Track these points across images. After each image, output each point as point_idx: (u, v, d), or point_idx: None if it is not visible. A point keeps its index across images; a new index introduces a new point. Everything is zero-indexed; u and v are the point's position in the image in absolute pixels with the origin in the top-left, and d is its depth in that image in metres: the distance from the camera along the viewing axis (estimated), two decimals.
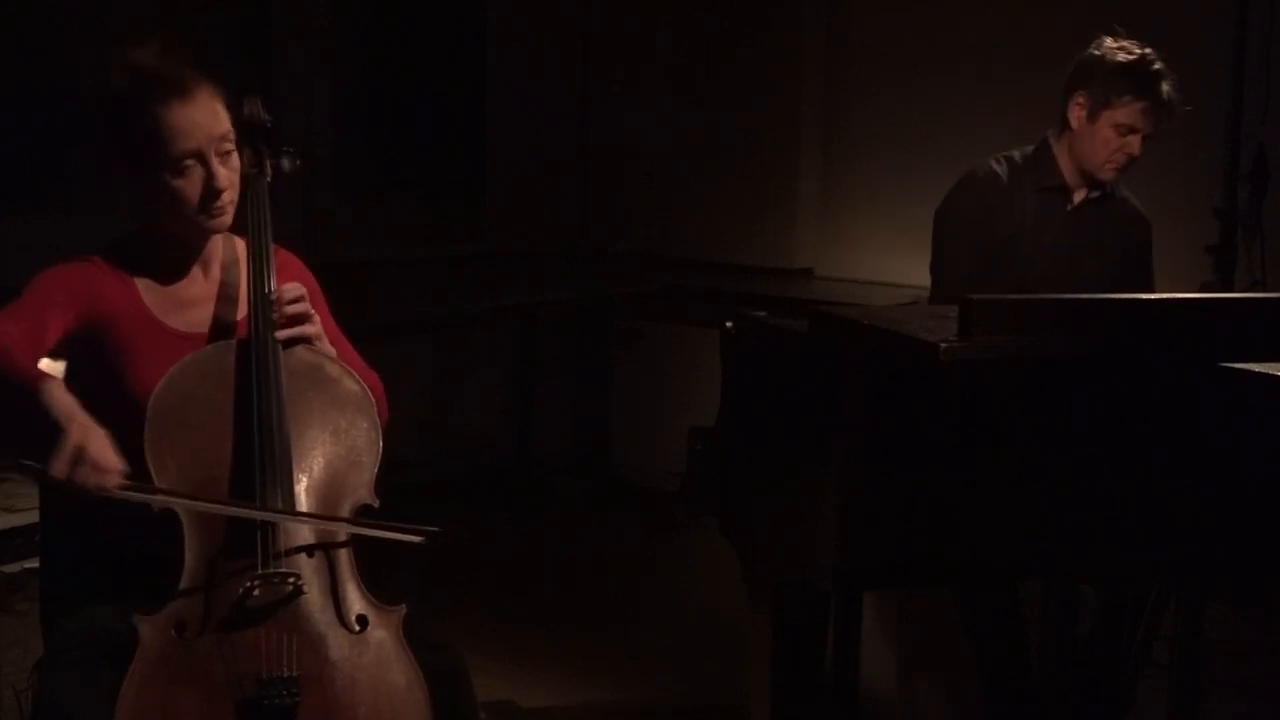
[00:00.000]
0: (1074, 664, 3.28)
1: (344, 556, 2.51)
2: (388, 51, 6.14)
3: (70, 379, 2.59)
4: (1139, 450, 2.44)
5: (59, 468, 2.30)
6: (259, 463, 2.47)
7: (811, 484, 2.65)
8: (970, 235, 3.67)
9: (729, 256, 6.21)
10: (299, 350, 2.63)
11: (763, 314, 3.12)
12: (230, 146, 2.58)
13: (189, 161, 2.53)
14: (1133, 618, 3.50)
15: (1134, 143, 3.59)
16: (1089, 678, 3.50)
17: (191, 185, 2.54)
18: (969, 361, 2.38)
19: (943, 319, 2.47)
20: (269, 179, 2.74)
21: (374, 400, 2.65)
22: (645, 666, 4.40)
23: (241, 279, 2.69)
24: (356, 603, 2.48)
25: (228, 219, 2.61)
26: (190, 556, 2.43)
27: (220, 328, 2.65)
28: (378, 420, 2.63)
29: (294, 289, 2.63)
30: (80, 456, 2.31)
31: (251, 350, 2.56)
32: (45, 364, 2.69)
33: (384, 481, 2.60)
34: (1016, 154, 3.74)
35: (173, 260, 2.66)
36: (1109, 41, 3.61)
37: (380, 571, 2.57)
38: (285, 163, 2.78)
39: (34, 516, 3.19)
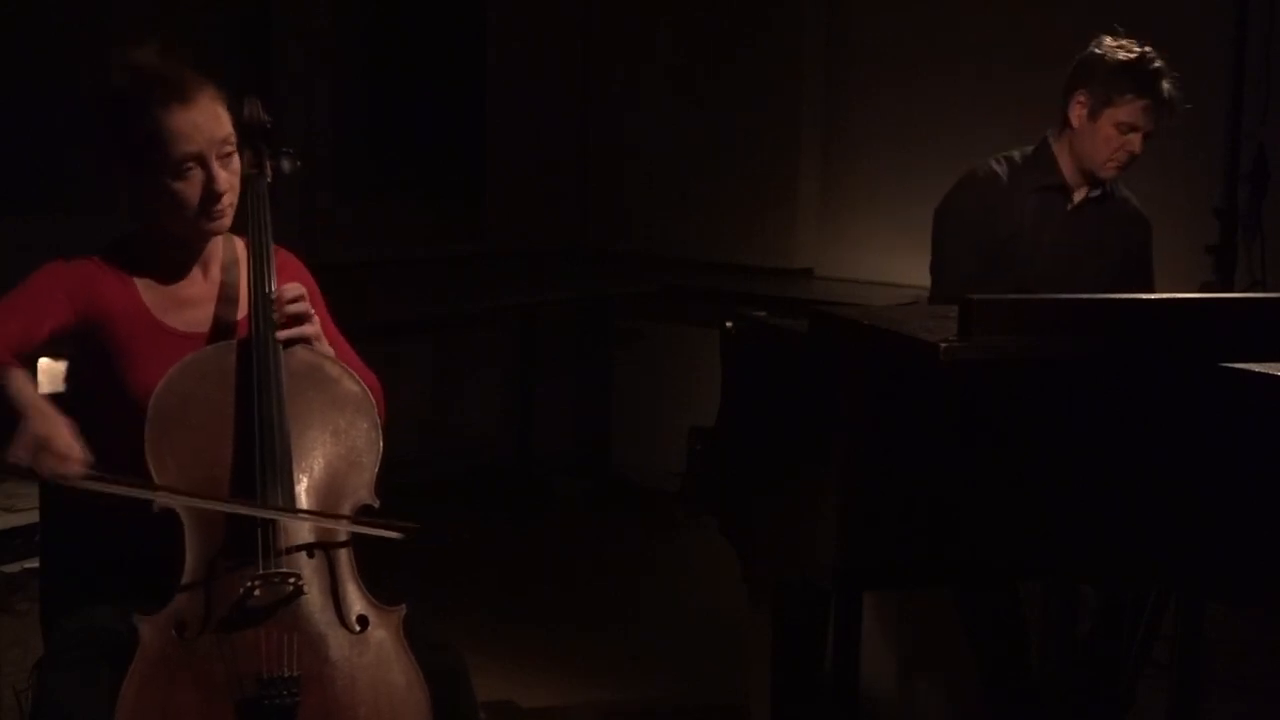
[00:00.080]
0: (1074, 664, 3.28)
1: (344, 556, 2.51)
2: (388, 51, 6.14)
3: (70, 378, 2.59)
4: (1139, 450, 2.44)
5: (19, 454, 2.31)
6: (259, 462, 2.47)
7: (811, 484, 2.65)
8: (970, 235, 3.67)
9: (729, 256, 6.21)
10: (299, 350, 2.63)
11: (763, 314, 3.12)
12: (231, 149, 2.58)
13: (189, 164, 2.53)
14: (1133, 618, 3.50)
15: (1135, 141, 3.59)
16: (1089, 678, 3.50)
17: (191, 188, 2.54)
18: (969, 361, 2.38)
19: (943, 319, 2.47)
20: (269, 179, 2.74)
21: (374, 400, 2.65)
22: (645, 666, 4.40)
23: (241, 279, 2.69)
24: (357, 603, 2.48)
25: (227, 221, 2.61)
26: (190, 556, 2.43)
27: (220, 328, 2.65)
28: (378, 420, 2.64)
29: (294, 289, 2.63)
30: (41, 444, 2.31)
31: (252, 350, 2.56)
32: (45, 364, 2.69)
33: (384, 481, 2.60)
34: (1016, 154, 3.74)
35: (172, 260, 2.66)
36: (1109, 41, 3.62)
37: (380, 571, 2.57)
38: (285, 163, 2.78)
39: (34, 516, 3.19)
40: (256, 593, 2.39)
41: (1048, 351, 2.42)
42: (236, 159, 2.60)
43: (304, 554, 2.47)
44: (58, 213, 4.81)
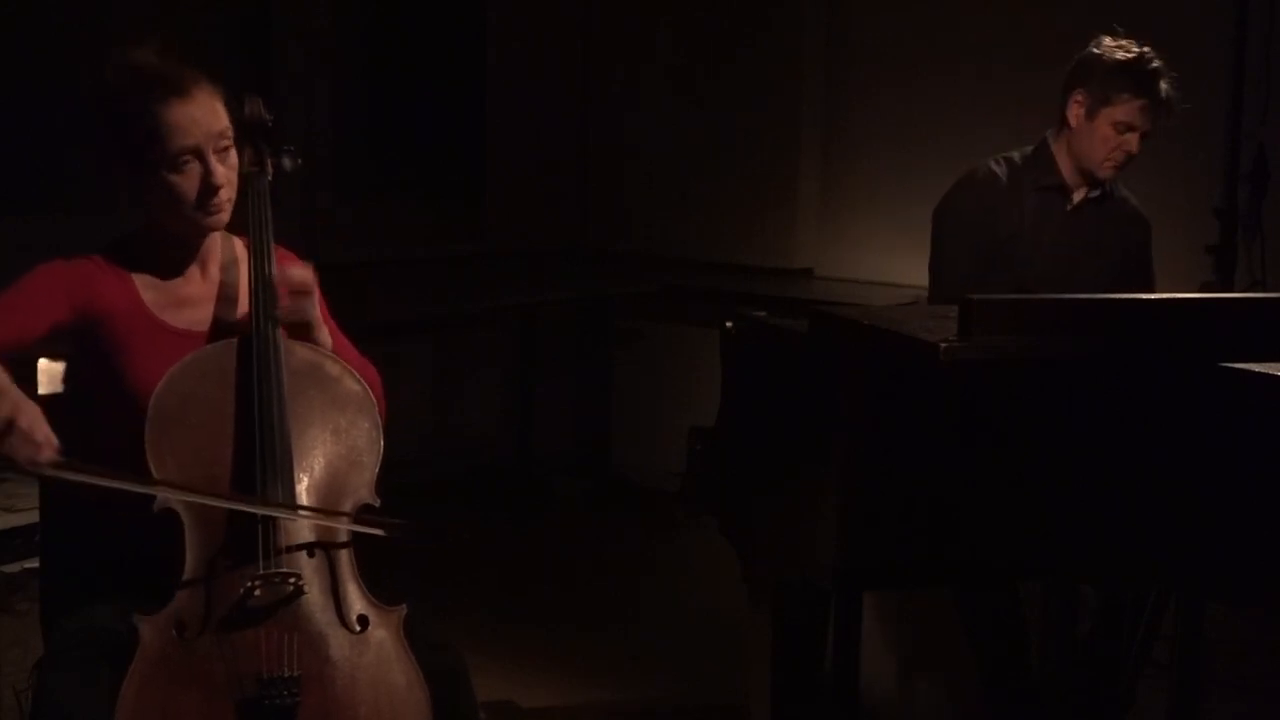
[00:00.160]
0: (1074, 664, 3.28)
1: (344, 556, 2.51)
2: (388, 51, 6.14)
3: (69, 378, 2.59)
4: (1139, 450, 2.44)
5: None
6: (259, 460, 2.47)
7: (811, 484, 2.65)
8: (969, 235, 3.67)
9: (729, 256, 6.21)
10: (300, 349, 2.63)
11: (763, 314, 3.12)
12: (228, 144, 2.59)
13: (187, 158, 2.53)
14: (1133, 618, 3.50)
15: (1132, 140, 3.59)
16: (1089, 678, 3.50)
17: (189, 182, 2.55)
18: (969, 361, 2.38)
19: (943, 319, 2.47)
20: (270, 177, 2.74)
21: (375, 400, 2.65)
22: (645, 666, 4.40)
23: (241, 279, 2.69)
24: (357, 602, 2.48)
25: (225, 216, 2.61)
26: (190, 556, 2.43)
27: (220, 327, 2.65)
28: (379, 420, 2.63)
29: (301, 269, 2.63)
30: (9, 429, 2.30)
31: (252, 347, 2.56)
32: (45, 364, 2.69)
33: (384, 481, 2.60)
34: (1016, 154, 3.75)
35: (172, 259, 2.66)
36: (1108, 40, 3.62)
37: (380, 571, 2.57)
38: (286, 161, 2.78)
39: (34, 516, 3.19)
40: (257, 592, 2.39)
41: (1048, 351, 2.42)
42: (234, 154, 2.61)
43: (304, 554, 2.47)
44: (58, 213, 4.82)
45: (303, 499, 2.51)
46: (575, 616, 4.84)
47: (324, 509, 2.53)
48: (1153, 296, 2.72)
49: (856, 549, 2.60)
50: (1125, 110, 3.56)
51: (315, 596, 2.44)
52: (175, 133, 2.52)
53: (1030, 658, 3.51)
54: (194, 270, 2.68)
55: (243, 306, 2.66)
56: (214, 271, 2.70)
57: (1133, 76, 3.55)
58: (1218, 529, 2.37)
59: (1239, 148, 4.59)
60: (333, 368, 2.65)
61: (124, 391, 2.54)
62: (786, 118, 6.10)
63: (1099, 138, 3.59)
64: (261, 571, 2.40)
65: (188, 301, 2.66)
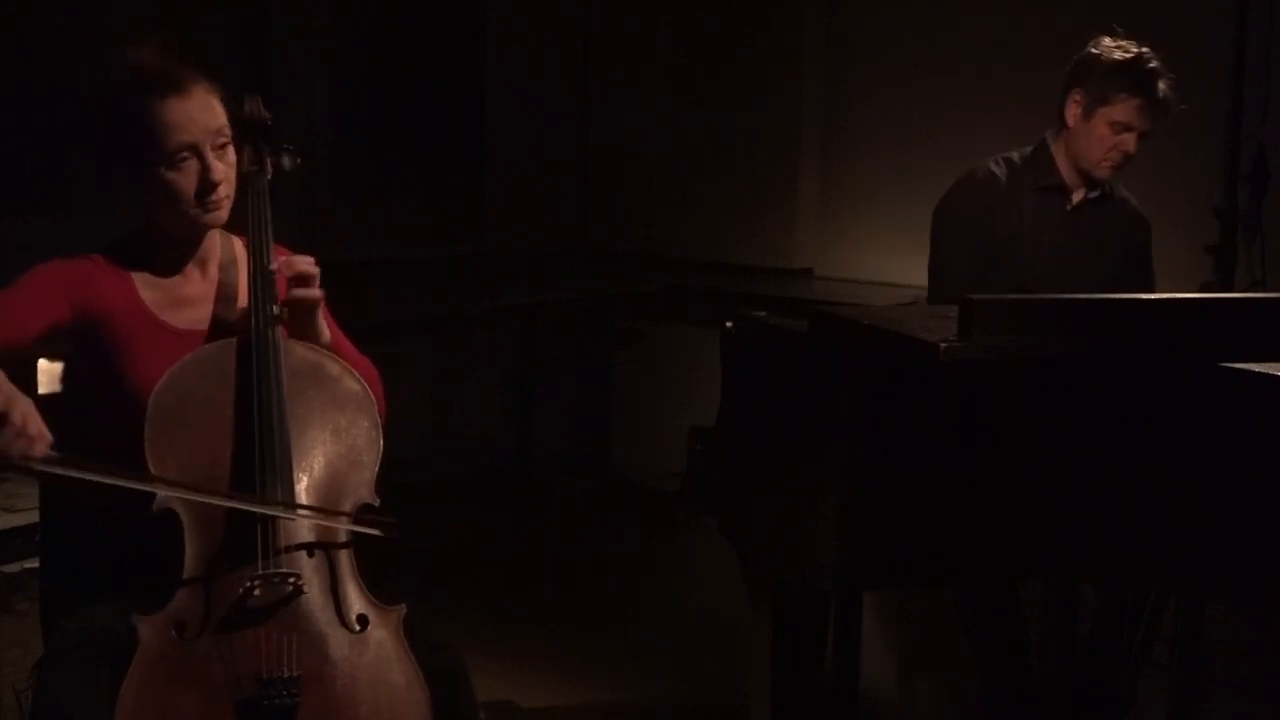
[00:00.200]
0: (1074, 664, 3.28)
1: (344, 556, 2.51)
2: (388, 51, 6.14)
3: (67, 378, 2.59)
4: (1139, 450, 2.44)
5: None
6: (258, 460, 2.47)
7: (811, 484, 2.65)
8: (969, 236, 3.67)
9: (729, 256, 6.21)
10: (299, 349, 2.63)
11: (763, 314, 3.12)
12: (225, 140, 2.59)
13: (184, 154, 2.54)
14: (1133, 618, 3.50)
15: (1129, 140, 3.59)
16: (1089, 678, 3.50)
17: (187, 178, 2.55)
18: (969, 361, 2.38)
19: (943, 319, 2.47)
20: (269, 176, 2.74)
21: (374, 399, 2.65)
22: (645, 666, 4.40)
23: (240, 278, 2.69)
24: (356, 602, 2.48)
25: (224, 214, 2.61)
26: (190, 556, 2.43)
27: (219, 326, 2.65)
28: (378, 419, 2.63)
29: (305, 258, 2.63)
30: (2, 422, 2.28)
31: (252, 347, 2.56)
32: (44, 364, 2.69)
33: (384, 481, 2.60)
34: (1015, 155, 3.75)
35: (171, 258, 2.66)
36: (1107, 41, 3.62)
37: (380, 571, 2.57)
38: (286, 160, 2.78)
39: (34, 516, 3.19)
40: (256, 592, 2.39)
41: (1048, 351, 2.42)
42: (232, 152, 2.61)
43: (303, 553, 2.46)
44: (58, 213, 4.82)
45: (302, 499, 2.51)
46: (575, 616, 4.84)
47: (323, 508, 2.53)
48: (1153, 296, 2.72)
49: (856, 549, 2.60)
50: (1122, 110, 3.56)
51: (315, 596, 2.44)
52: (172, 130, 2.53)
53: (1030, 658, 3.51)
54: (193, 270, 2.68)
55: (242, 306, 2.66)
56: (213, 271, 2.70)
57: (1130, 76, 3.55)
58: (1218, 529, 2.37)
59: (1239, 148, 4.59)
60: (332, 367, 2.65)
61: (123, 391, 2.54)
62: (786, 118, 6.10)
63: (1096, 137, 3.60)
64: (261, 571, 2.40)
65: (187, 301, 2.66)
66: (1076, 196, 3.72)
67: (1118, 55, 3.58)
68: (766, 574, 2.91)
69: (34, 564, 3.26)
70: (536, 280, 6.24)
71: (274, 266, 2.60)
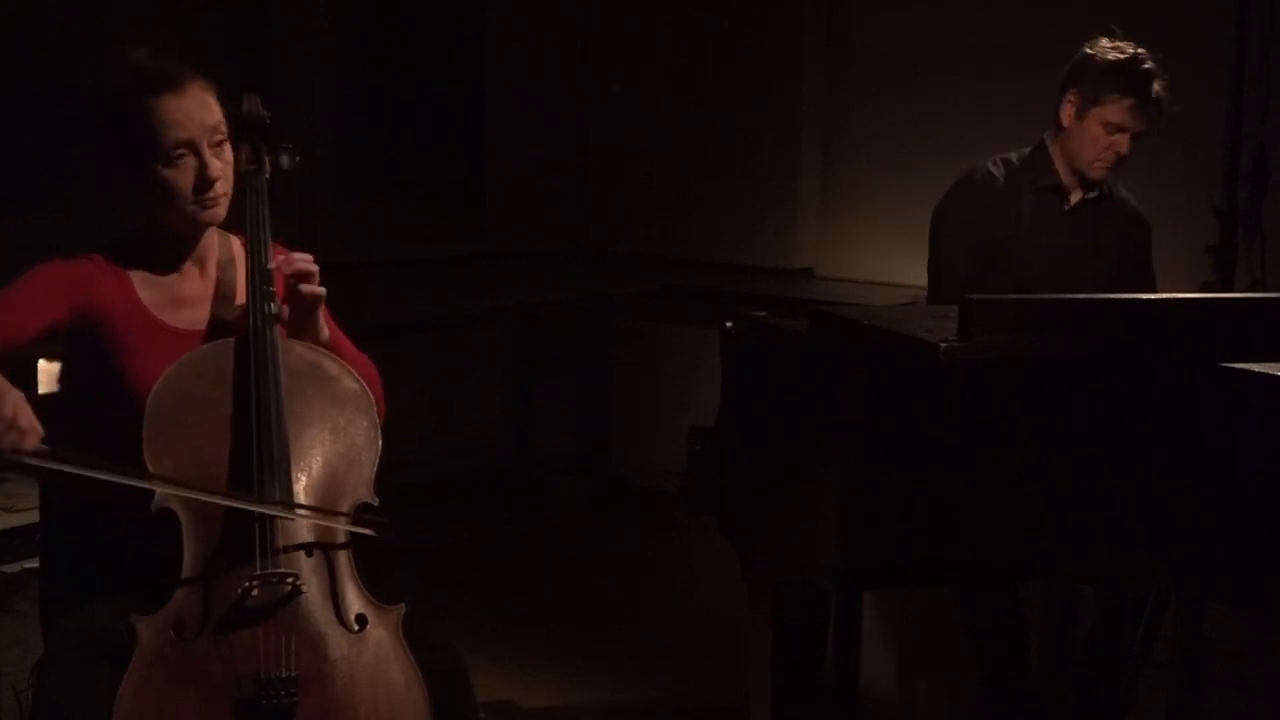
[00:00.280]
0: (1074, 664, 3.28)
1: (343, 556, 2.51)
2: (388, 51, 6.14)
3: (65, 378, 2.58)
4: (1139, 450, 2.44)
5: None
6: (256, 460, 2.47)
7: (811, 484, 2.65)
8: (968, 236, 3.68)
9: (729, 256, 6.21)
10: (298, 348, 2.63)
11: (763, 314, 3.12)
12: (222, 137, 2.59)
13: (181, 152, 2.54)
14: (1133, 618, 3.50)
15: (1122, 141, 3.59)
16: (1089, 678, 3.50)
17: (184, 175, 2.55)
18: (969, 361, 2.38)
19: (943, 319, 2.47)
20: (268, 175, 2.74)
21: (373, 398, 2.65)
22: (645, 666, 4.40)
23: (239, 278, 2.69)
24: (355, 602, 2.47)
25: (221, 211, 2.61)
26: (189, 555, 2.43)
27: (217, 326, 2.65)
28: (377, 419, 2.63)
29: (302, 254, 2.63)
30: None
31: (250, 346, 2.56)
32: (44, 364, 2.68)
33: (384, 481, 2.60)
34: (1013, 156, 3.75)
35: (169, 258, 2.66)
36: (1103, 41, 3.63)
37: (380, 571, 2.57)
38: (284, 159, 2.78)
39: (34, 516, 3.19)
40: (254, 592, 2.38)
41: (1048, 351, 2.42)
42: (229, 149, 2.61)
43: (302, 553, 2.46)
44: (58, 213, 4.81)
45: (300, 498, 2.51)
46: (575, 616, 4.84)
47: (321, 508, 2.52)
48: (1153, 296, 2.72)
49: (856, 549, 2.60)
50: (1114, 110, 3.57)
51: (313, 596, 2.44)
52: (169, 126, 2.53)
53: (1030, 658, 3.51)
54: (192, 269, 2.68)
55: (240, 305, 2.65)
56: (212, 270, 2.70)
57: (1124, 77, 3.56)
58: (1218, 529, 2.37)
59: (1239, 148, 4.59)
60: (331, 366, 2.65)
61: (122, 391, 2.54)
62: (786, 118, 6.10)
63: (1089, 138, 3.60)
64: (259, 571, 2.40)
65: (186, 301, 2.66)
66: (1074, 197, 3.72)
67: (1111, 56, 3.58)
68: (766, 574, 2.91)
69: (34, 564, 3.26)
70: (536, 280, 6.24)
71: (272, 265, 2.60)
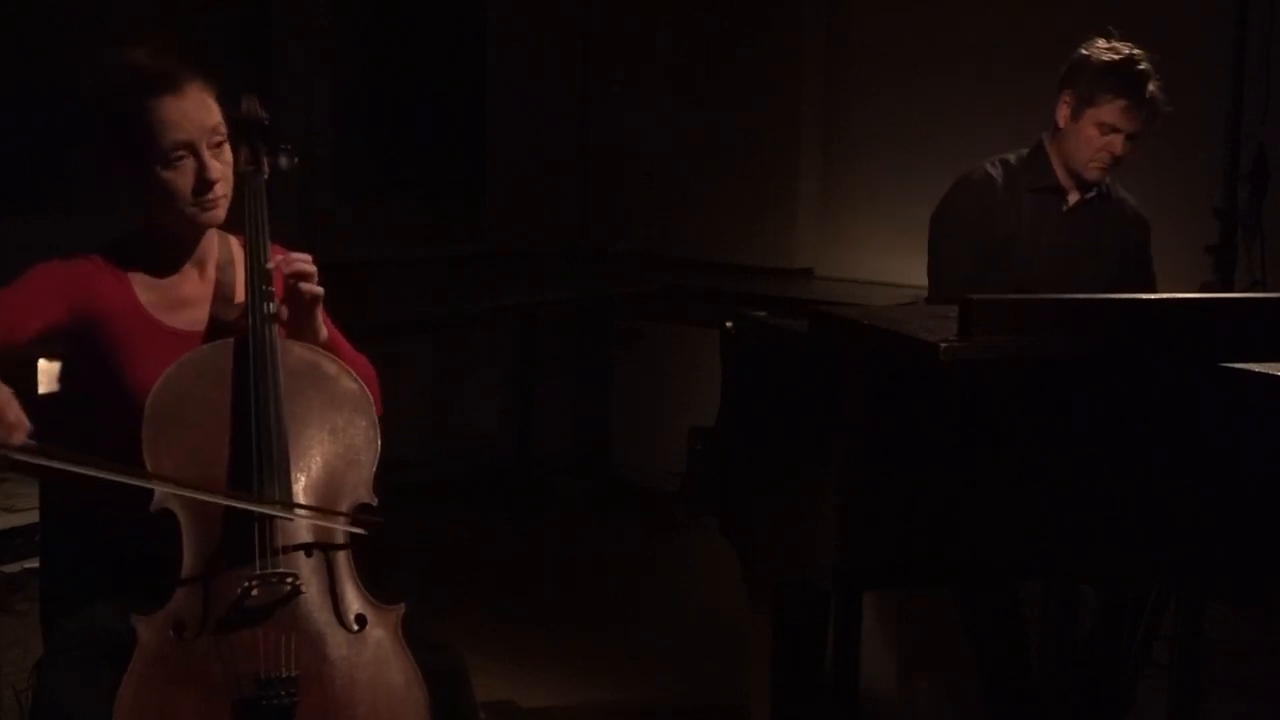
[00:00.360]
0: (1074, 664, 3.28)
1: (342, 556, 2.51)
2: (388, 51, 6.14)
3: (65, 378, 2.58)
4: (1139, 450, 2.44)
5: None
6: (256, 460, 2.47)
7: (811, 484, 2.65)
8: (968, 236, 3.68)
9: (729, 256, 6.21)
10: (297, 349, 2.63)
11: (763, 314, 3.12)
12: (221, 138, 2.59)
13: (180, 153, 2.54)
14: (1133, 618, 3.50)
15: (1116, 142, 3.59)
16: (1089, 678, 3.50)
17: (183, 177, 2.55)
18: (969, 361, 2.38)
19: (943, 319, 2.47)
20: (266, 176, 2.74)
21: (372, 399, 2.65)
22: (645, 666, 4.40)
23: (238, 279, 2.69)
24: (355, 602, 2.47)
25: (220, 212, 2.61)
26: (188, 555, 2.43)
27: (217, 327, 2.65)
28: (376, 419, 2.63)
29: (300, 254, 2.63)
30: None
31: (249, 347, 2.55)
32: (44, 364, 2.68)
33: (384, 481, 2.60)
34: (1011, 156, 3.75)
35: (168, 258, 2.66)
36: (1100, 42, 3.63)
37: (380, 571, 2.57)
38: (283, 160, 2.78)
39: (34, 516, 3.19)
40: (254, 592, 2.38)
41: (1048, 351, 2.42)
42: (228, 150, 2.61)
43: (301, 553, 2.46)
44: (58, 213, 4.81)
45: (300, 498, 2.51)
46: (575, 616, 4.84)
47: (321, 508, 2.52)
48: (1153, 296, 2.72)
49: (856, 549, 2.60)
50: (1109, 111, 3.57)
51: (313, 596, 2.44)
52: (168, 128, 2.53)
53: (1030, 658, 3.51)
54: (191, 270, 2.68)
55: (240, 307, 2.65)
56: (211, 271, 2.70)
57: (1118, 77, 3.56)
58: (1218, 529, 2.37)
59: (1239, 148, 4.59)
60: (330, 367, 2.65)
61: (121, 392, 2.54)
62: (786, 118, 6.10)
63: (1084, 138, 3.61)
64: (258, 571, 2.40)
65: (185, 302, 2.66)
66: (1072, 198, 3.72)
67: (1106, 57, 3.58)
68: (766, 574, 2.91)
69: (34, 564, 3.26)
70: (536, 280, 6.24)
71: (271, 265, 2.60)
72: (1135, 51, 3.59)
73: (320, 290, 2.63)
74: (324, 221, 5.74)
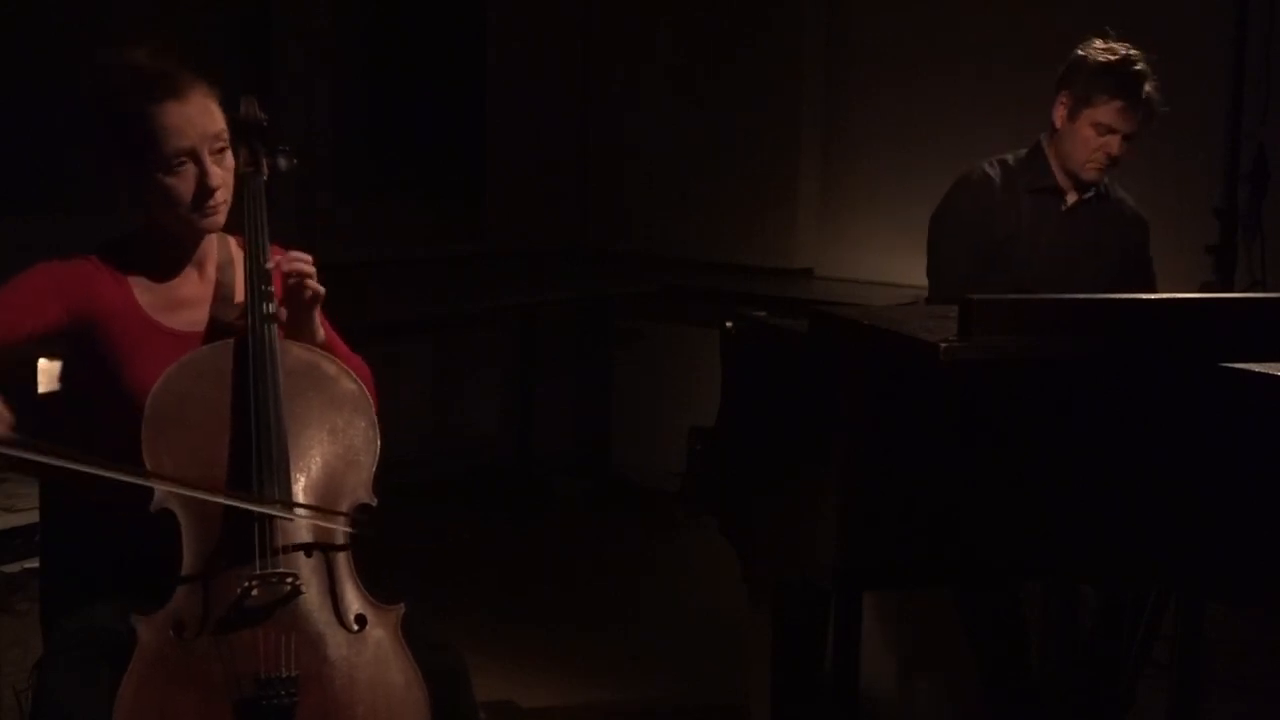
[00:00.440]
0: (1074, 664, 3.28)
1: (342, 556, 2.51)
2: (388, 51, 6.14)
3: (65, 378, 2.58)
4: (1139, 450, 2.44)
5: None
6: (256, 458, 2.47)
7: (811, 484, 2.65)
8: (968, 236, 3.68)
9: (729, 256, 6.21)
10: (296, 349, 2.63)
11: (763, 314, 3.12)
12: (224, 145, 2.58)
13: (182, 159, 2.53)
14: (1133, 618, 3.50)
15: (1113, 142, 3.59)
16: (1089, 678, 3.50)
17: (185, 183, 2.55)
18: (969, 361, 2.38)
19: (943, 319, 2.47)
20: (265, 177, 2.73)
21: (371, 399, 2.65)
22: (645, 666, 4.40)
23: (237, 279, 2.69)
24: (355, 602, 2.47)
25: (221, 218, 2.61)
26: (188, 555, 2.43)
27: (216, 327, 2.65)
28: (376, 420, 2.63)
29: (300, 254, 2.63)
30: None
31: (248, 347, 2.55)
32: (44, 364, 2.68)
33: (384, 481, 2.60)
34: (1010, 157, 3.76)
35: (168, 260, 2.66)
36: (1097, 43, 3.63)
37: (380, 571, 2.57)
38: (282, 161, 2.77)
39: (34, 516, 3.19)
40: (254, 592, 2.38)
41: (1048, 351, 2.42)
42: (230, 156, 2.60)
43: (301, 554, 2.46)
44: (58, 213, 4.81)
45: (299, 499, 2.51)
46: (575, 616, 4.84)
47: (320, 508, 2.52)
48: (1153, 296, 2.72)
49: (856, 549, 2.59)
50: (1104, 111, 3.57)
51: (313, 596, 2.44)
52: (170, 135, 2.52)
53: (1030, 658, 3.51)
54: (190, 271, 2.68)
55: (239, 307, 2.65)
56: (210, 272, 2.70)
57: (1114, 78, 3.56)
58: (1218, 529, 2.37)
59: (1239, 148, 4.59)
60: (329, 367, 2.65)
61: (120, 392, 2.54)
62: (786, 118, 6.10)
63: (1080, 139, 3.61)
64: (258, 571, 2.40)
65: (184, 303, 2.66)
66: (1071, 198, 3.72)
67: (1103, 58, 3.59)
68: (766, 574, 2.91)
69: (34, 564, 3.26)
70: (536, 280, 6.24)
71: (270, 265, 2.60)
72: (1132, 52, 3.59)
73: (321, 290, 2.62)
74: (324, 221, 5.74)
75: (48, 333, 2.55)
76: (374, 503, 2.57)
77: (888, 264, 5.64)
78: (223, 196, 2.58)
